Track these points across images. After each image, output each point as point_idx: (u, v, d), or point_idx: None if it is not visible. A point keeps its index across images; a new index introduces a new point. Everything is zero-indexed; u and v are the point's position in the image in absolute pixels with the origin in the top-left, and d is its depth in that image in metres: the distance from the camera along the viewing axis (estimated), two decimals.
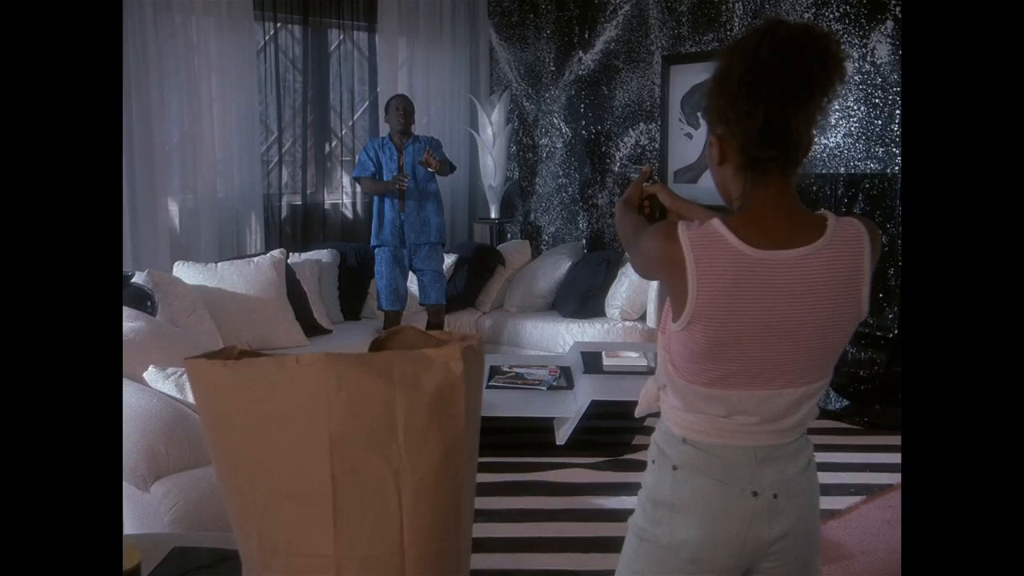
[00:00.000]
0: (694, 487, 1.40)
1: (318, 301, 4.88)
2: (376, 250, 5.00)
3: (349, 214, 6.25)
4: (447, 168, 5.02)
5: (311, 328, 4.64)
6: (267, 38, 5.70)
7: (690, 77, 5.66)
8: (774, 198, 1.33)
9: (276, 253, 4.57)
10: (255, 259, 4.47)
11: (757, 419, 1.38)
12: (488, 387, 3.98)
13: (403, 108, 5.03)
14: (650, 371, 4.02)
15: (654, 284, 5.05)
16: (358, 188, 6.27)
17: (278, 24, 5.75)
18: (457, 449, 1.12)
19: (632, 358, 4.10)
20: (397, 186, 4.84)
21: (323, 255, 5.26)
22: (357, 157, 5.25)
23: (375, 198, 5.07)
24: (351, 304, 5.25)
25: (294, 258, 5.07)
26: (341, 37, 6.14)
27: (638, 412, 1.59)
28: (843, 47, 1.33)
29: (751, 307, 1.31)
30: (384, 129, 6.15)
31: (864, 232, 1.35)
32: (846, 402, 4.60)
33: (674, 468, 1.42)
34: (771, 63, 1.25)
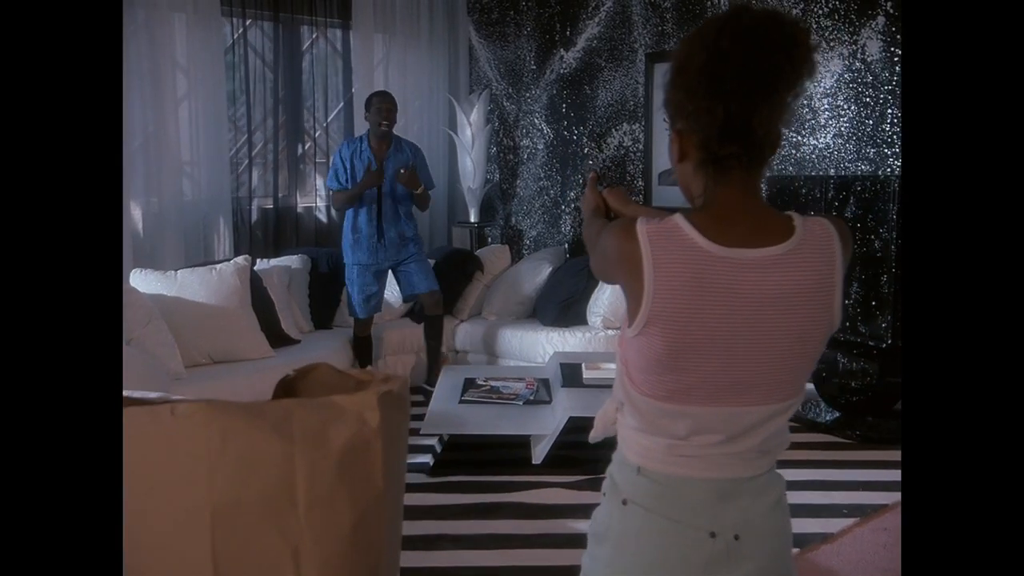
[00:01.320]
0: (643, 525, 1.26)
1: (286, 309, 4.67)
2: (346, 260, 4.75)
3: (323, 218, 6.03)
4: (426, 199, 4.69)
5: (278, 338, 4.43)
6: (236, 35, 5.48)
7: None
8: (737, 196, 1.23)
9: (240, 260, 4.35)
10: (217, 266, 4.25)
11: (720, 439, 1.24)
12: (461, 402, 3.78)
13: (385, 107, 4.67)
14: None
15: None
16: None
17: (247, 21, 5.52)
18: (373, 517, 0.92)
19: (612, 371, 3.89)
20: (368, 183, 4.49)
21: (293, 261, 5.04)
22: (331, 161, 4.96)
23: (348, 215, 4.72)
24: (322, 312, 5.04)
25: (262, 265, 4.85)
26: (314, 35, 5.93)
27: (592, 437, 1.44)
28: (812, 35, 1.22)
29: (713, 309, 1.19)
30: (363, 127, 5.98)
31: (835, 233, 1.24)
32: (837, 414, 4.42)
33: (623, 502, 1.28)
34: (733, 53, 1.15)
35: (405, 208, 4.73)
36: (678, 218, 1.21)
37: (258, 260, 4.91)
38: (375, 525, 0.91)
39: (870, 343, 4.18)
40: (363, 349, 4.80)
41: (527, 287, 5.27)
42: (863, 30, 4.66)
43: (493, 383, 4.00)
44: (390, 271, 4.79)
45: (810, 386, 4.75)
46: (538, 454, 3.57)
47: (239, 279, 4.22)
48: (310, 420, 0.87)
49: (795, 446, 4.25)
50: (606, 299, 4.89)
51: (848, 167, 4.77)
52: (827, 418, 4.41)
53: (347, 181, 4.66)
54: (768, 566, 1.27)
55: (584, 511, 3.39)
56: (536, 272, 5.34)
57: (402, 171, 4.50)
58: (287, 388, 1.05)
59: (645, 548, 1.25)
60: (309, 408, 0.89)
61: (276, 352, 4.30)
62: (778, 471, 1.33)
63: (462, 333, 5.16)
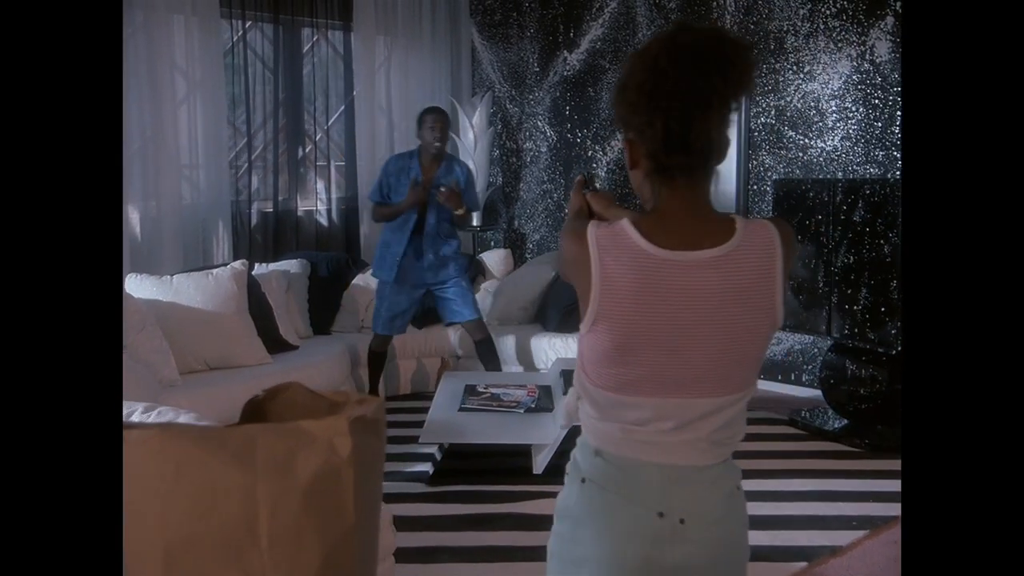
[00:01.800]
0: (599, 502, 1.34)
1: (284, 315, 4.60)
2: (376, 275, 4.58)
3: (324, 221, 5.96)
4: (465, 219, 4.41)
5: (276, 344, 4.36)
6: (236, 37, 5.42)
7: None
8: (682, 202, 1.30)
9: (237, 265, 4.29)
10: (214, 271, 4.18)
11: (670, 427, 1.31)
12: (461, 409, 3.70)
13: (438, 125, 4.41)
14: None
15: None
16: (333, 194, 6.00)
17: (247, 23, 5.46)
18: (344, 553, 0.84)
19: None
20: (414, 198, 4.24)
21: (292, 266, 4.97)
22: (379, 176, 4.61)
23: (384, 229, 4.51)
24: (322, 318, 4.97)
25: (260, 269, 4.78)
26: (315, 37, 5.86)
27: (561, 426, 1.69)
28: (751, 53, 1.28)
29: (656, 308, 1.27)
30: (364, 130, 5.91)
31: (776, 234, 1.31)
32: (845, 422, 4.33)
33: (582, 481, 1.36)
34: (669, 72, 1.22)
35: (446, 228, 4.51)
36: (625, 222, 1.29)
37: (256, 265, 4.83)
38: (346, 561, 0.83)
39: (879, 350, 4.09)
40: (376, 363, 4.67)
41: (530, 292, 5.19)
42: (872, 31, 4.57)
43: (494, 390, 3.93)
44: (427, 292, 4.59)
45: (817, 392, 4.66)
46: (539, 464, 3.49)
47: (236, 284, 4.15)
48: (275, 448, 0.79)
49: (802, 455, 4.19)
50: None
51: (856, 170, 4.68)
52: (835, 426, 4.33)
53: (389, 195, 4.47)
54: (711, 552, 1.32)
55: None
56: (539, 277, 5.26)
57: (442, 189, 4.27)
58: (256, 410, 0.97)
59: (599, 523, 1.33)
60: (274, 435, 0.81)
61: (274, 358, 4.23)
62: (734, 462, 1.39)
63: (465, 339, 5.08)
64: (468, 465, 3.75)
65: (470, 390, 3.92)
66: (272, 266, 4.90)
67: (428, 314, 5.18)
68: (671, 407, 1.31)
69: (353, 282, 5.19)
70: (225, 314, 4.05)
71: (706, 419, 1.31)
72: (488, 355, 4.66)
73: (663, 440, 1.32)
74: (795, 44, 4.87)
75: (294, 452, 0.81)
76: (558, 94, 6.01)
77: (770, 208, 5.01)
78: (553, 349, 4.78)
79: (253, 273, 4.61)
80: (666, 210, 1.31)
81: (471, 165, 5.91)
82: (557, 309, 5.02)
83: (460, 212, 4.36)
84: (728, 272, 1.27)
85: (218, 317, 4.02)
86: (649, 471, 1.32)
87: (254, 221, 5.59)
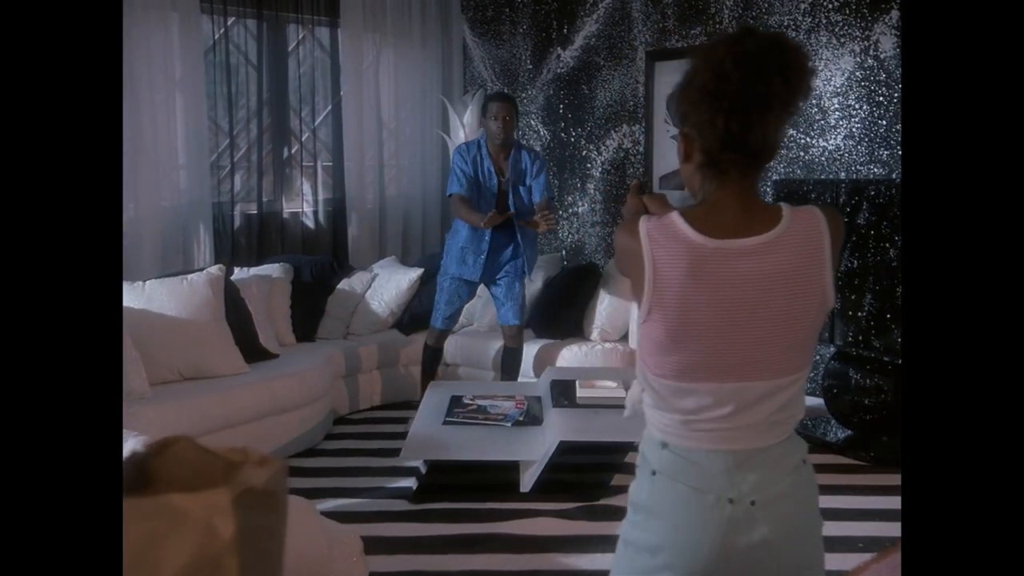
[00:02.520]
0: (670, 493, 1.38)
1: (265, 322, 4.41)
2: (444, 266, 4.37)
3: (311, 224, 5.78)
4: (555, 219, 4.12)
5: (255, 353, 4.17)
6: (219, 34, 5.24)
7: (676, 75, 5.17)
8: (732, 194, 1.35)
9: (214, 270, 4.10)
10: (189, 276, 4.00)
11: (728, 412, 1.35)
12: (445, 423, 3.51)
13: (504, 115, 4.17)
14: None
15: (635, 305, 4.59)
16: (320, 195, 5.82)
17: (230, 18, 5.28)
18: None
19: (609, 389, 3.63)
20: (484, 225, 4.05)
21: (274, 270, 4.79)
22: (452, 168, 4.35)
23: (458, 222, 4.31)
24: (305, 324, 4.78)
25: (240, 274, 4.59)
26: (301, 34, 5.68)
27: (627, 413, 1.60)
28: (808, 60, 1.33)
29: (707, 295, 1.32)
30: (353, 129, 5.74)
31: (823, 218, 1.35)
32: (849, 433, 4.15)
33: (652, 473, 1.41)
34: (734, 75, 1.27)
35: (522, 228, 4.26)
36: (675, 215, 1.34)
37: (236, 269, 4.65)
38: None
39: (885, 358, 3.91)
40: (432, 360, 4.48)
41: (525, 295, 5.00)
42: (876, 25, 4.39)
43: (480, 402, 3.74)
44: (483, 284, 4.43)
45: (819, 401, 4.48)
46: (526, 482, 3.30)
47: (212, 290, 3.97)
48: (135, 532, 0.61)
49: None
50: (604, 310, 4.63)
51: (860, 170, 4.50)
52: (838, 437, 4.14)
53: (469, 186, 4.22)
54: (785, 528, 1.36)
55: (577, 544, 3.16)
56: (530, 281, 5.07)
57: (491, 214, 4.03)
58: (140, 469, 0.78)
59: (672, 513, 1.37)
60: (134, 513, 0.63)
61: (252, 368, 4.05)
62: (797, 436, 1.42)
63: (452, 346, 4.90)
64: (454, 480, 3.56)
65: (456, 401, 3.73)
66: (253, 270, 4.71)
67: (415, 320, 5.00)
68: (728, 392, 1.34)
69: (339, 287, 5.00)
70: (200, 322, 3.87)
71: (763, 402, 1.35)
72: (510, 365, 4.47)
73: (724, 427, 1.36)
74: (796, 39, 4.68)
75: (159, 537, 0.62)
76: (551, 92, 5.83)
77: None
78: (545, 357, 4.60)
79: (232, 278, 4.43)
80: (715, 202, 1.36)
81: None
82: (548, 315, 4.84)
83: (550, 226, 4.05)
84: (775, 257, 1.32)
85: (192, 325, 3.84)
86: (714, 459, 1.35)
87: (237, 223, 5.41)
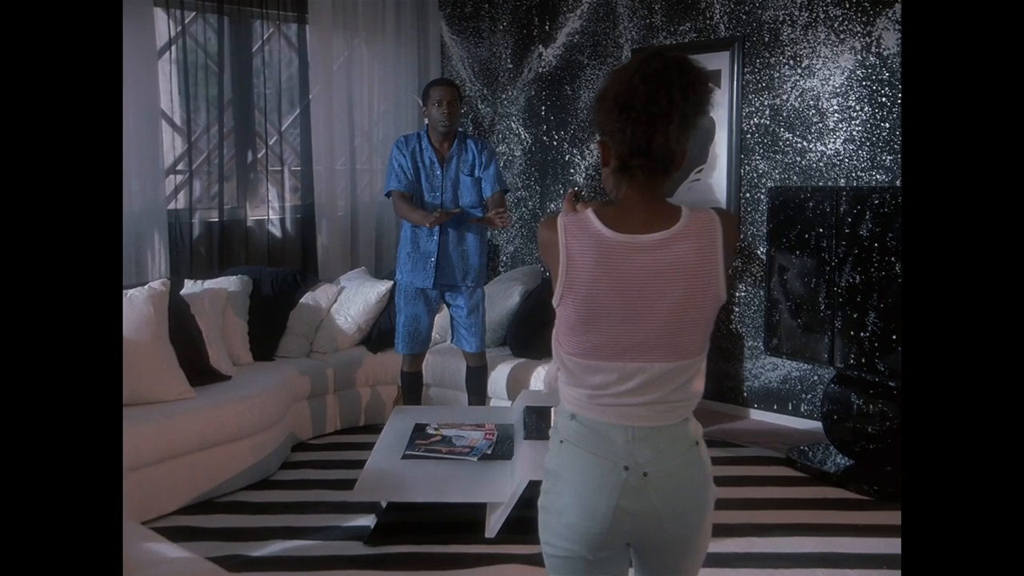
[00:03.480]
0: (574, 459, 1.53)
1: (217, 341, 4.07)
2: (397, 281, 4.06)
3: (277, 232, 5.44)
4: (501, 219, 3.75)
5: (203, 375, 3.83)
6: (176, 30, 4.90)
7: None
8: (639, 195, 1.53)
9: (157, 284, 3.75)
10: (128, 292, 3.65)
11: (630, 389, 1.52)
12: (405, 456, 3.17)
13: (447, 100, 3.82)
14: None
15: None
16: (287, 202, 5.48)
17: (185, 13, 4.94)
18: None
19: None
20: (430, 224, 3.71)
21: (230, 283, 4.44)
22: (388, 164, 4.01)
23: (404, 226, 4.00)
24: (264, 342, 4.43)
25: (192, 288, 4.25)
26: (268, 30, 5.34)
27: (546, 390, 1.75)
28: (708, 80, 1.51)
29: (612, 284, 1.50)
30: (322, 133, 5.40)
31: (717, 219, 1.53)
32: (850, 462, 3.81)
33: (561, 442, 1.57)
34: (640, 90, 1.46)
35: (473, 227, 3.94)
36: (589, 212, 1.53)
37: (187, 283, 4.30)
38: None
39: (889, 382, 3.58)
40: (411, 385, 4.12)
41: (497, 311, 4.66)
42: (878, 20, 4.07)
43: (446, 431, 3.39)
44: (443, 299, 4.07)
45: (817, 425, 4.16)
46: (492, 526, 2.96)
47: (153, 306, 3.62)
48: None
49: (801, 504, 3.66)
50: None
51: (862, 176, 4.18)
52: (839, 464, 3.81)
53: (409, 183, 3.88)
54: (672, 499, 1.52)
55: None
56: (506, 294, 4.74)
57: (436, 213, 3.70)
58: None
59: (575, 477, 1.53)
60: None
61: (199, 391, 3.70)
62: (694, 420, 1.60)
63: (430, 365, 4.55)
64: (415, 518, 3.22)
65: (419, 431, 3.39)
66: (207, 283, 4.36)
67: (384, 336, 4.66)
68: (630, 370, 1.51)
69: (302, 301, 4.66)
70: (139, 342, 3.52)
71: (662, 382, 1.52)
72: (475, 386, 4.14)
73: (626, 403, 1.52)
74: (792, 36, 4.36)
75: None
76: (533, 92, 5.49)
77: (765, 219, 4.50)
78: (522, 377, 4.26)
79: (182, 293, 4.09)
80: (625, 201, 1.54)
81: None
82: (525, 331, 4.50)
83: (506, 223, 3.75)
84: (672, 251, 1.49)
85: (130, 345, 3.49)
86: (616, 431, 1.52)
87: (196, 232, 5.06)
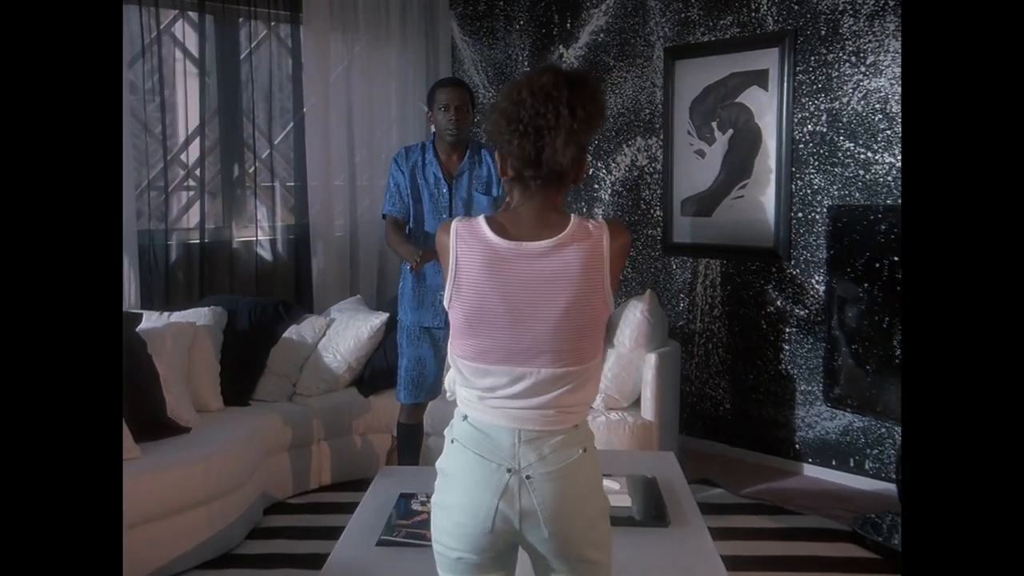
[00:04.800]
0: (462, 459, 1.60)
1: (179, 384, 3.49)
2: (399, 319, 3.43)
3: (267, 255, 4.88)
4: None
5: (156, 427, 3.25)
6: (155, 31, 4.37)
7: (701, 75, 4.24)
8: (532, 205, 1.60)
9: None
10: None
11: (518, 392, 1.57)
12: (380, 542, 2.55)
13: (455, 103, 3.23)
14: (633, 519, 2.60)
15: (650, 360, 3.62)
16: (279, 221, 4.93)
17: (162, 12, 4.41)
18: None
19: (611, 492, 2.65)
20: (413, 266, 3.09)
21: (201, 315, 3.87)
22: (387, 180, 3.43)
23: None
24: (238, 384, 3.85)
25: (153, 322, 3.68)
26: (259, 31, 4.80)
27: (448, 396, 1.91)
28: (601, 96, 1.57)
29: (499, 289, 1.56)
30: (317, 143, 4.85)
31: (604, 227, 1.58)
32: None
33: (452, 441, 1.63)
34: (528, 102, 1.53)
35: None
36: (480, 218, 1.61)
37: (146, 316, 3.73)
38: None
39: None
40: (408, 440, 3.48)
41: None
42: None
43: None
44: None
45: (885, 485, 3.50)
46: None
47: None
48: None
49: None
50: (610, 370, 3.65)
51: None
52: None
53: (408, 206, 3.30)
54: (554, 503, 1.55)
55: None
56: None
57: (419, 253, 3.07)
58: None
59: (463, 476, 1.59)
60: None
61: (147, 449, 3.11)
62: (586, 426, 1.65)
63: (432, 411, 3.92)
64: None
65: (403, 505, 2.77)
66: (174, 316, 3.79)
67: (378, 377, 4.06)
68: (518, 375, 1.57)
69: (284, 336, 4.07)
70: None
71: (550, 387, 1.57)
72: None
73: (514, 406, 1.57)
74: (855, 27, 3.72)
75: None
76: None
77: (822, 243, 3.84)
78: None
79: (140, 328, 3.52)
80: (517, 210, 1.62)
81: None
82: None
83: None
84: (558, 258, 1.55)
85: None
86: (503, 434, 1.57)
87: (173, 256, 4.51)
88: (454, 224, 1.59)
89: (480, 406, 1.59)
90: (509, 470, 1.54)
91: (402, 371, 3.38)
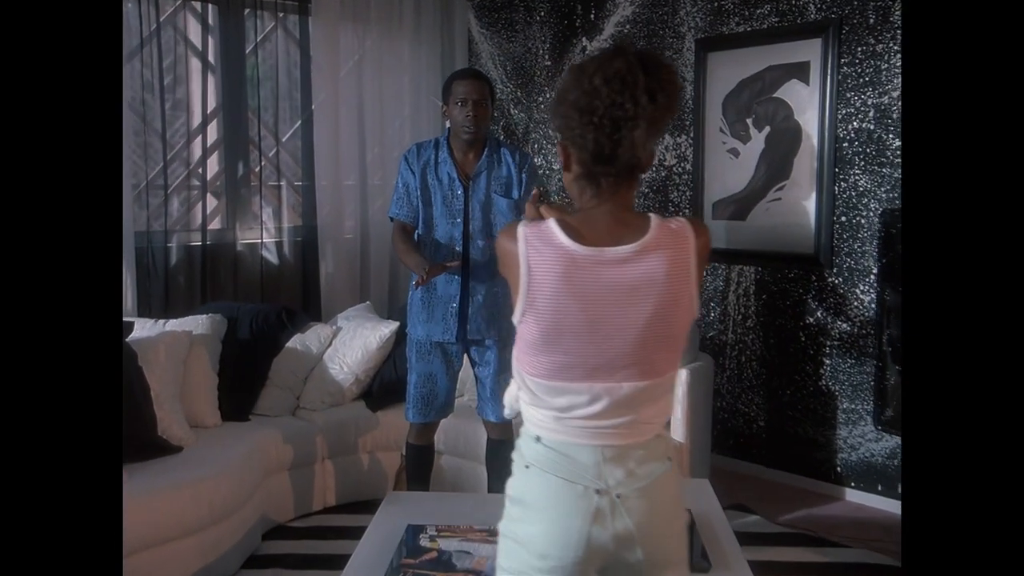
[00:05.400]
0: (541, 484, 1.46)
1: (172, 400, 3.24)
2: (408, 332, 3.13)
3: (273, 258, 4.63)
4: None
5: (143, 448, 3.00)
6: (156, 22, 4.13)
7: (736, 69, 3.95)
8: (606, 204, 1.47)
9: None
10: None
11: (599, 410, 1.44)
12: None
13: (473, 97, 2.92)
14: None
15: (681, 376, 3.34)
16: (285, 223, 4.68)
17: (171, 3, 4.18)
18: None
19: None
20: (417, 282, 2.89)
21: (199, 324, 3.62)
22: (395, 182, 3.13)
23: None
24: (238, 397, 3.60)
25: (146, 331, 3.43)
26: (265, 23, 4.56)
27: (507, 413, 1.66)
28: (677, 77, 1.42)
29: (577, 300, 1.41)
30: (326, 141, 4.60)
31: (689, 229, 1.45)
32: None
33: (526, 467, 1.48)
34: (603, 91, 1.37)
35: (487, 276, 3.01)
36: (551, 222, 1.45)
37: (139, 324, 3.49)
38: None
39: None
40: (417, 462, 3.20)
41: None
42: None
43: (445, 543, 2.49)
44: (467, 355, 3.13)
45: None
46: None
47: None
48: None
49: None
50: None
51: None
52: None
53: (417, 209, 3.02)
54: (647, 520, 1.45)
55: None
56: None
57: (426, 268, 2.80)
58: None
59: (544, 503, 1.46)
60: None
61: (132, 472, 2.85)
62: (665, 435, 1.53)
63: (447, 428, 3.65)
64: None
65: (411, 538, 2.50)
66: (169, 325, 3.54)
67: (387, 391, 3.80)
68: (599, 391, 1.44)
69: (288, 345, 3.82)
70: None
71: (633, 401, 1.45)
72: (498, 464, 3.18)
73: (595, 424, 1.44)
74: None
75: None
76: None
77: (870, 250, 3.55)
78: None
79: (131, 339, 3.27)
80: (590, 211, 1.47)
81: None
82: None
83: None
84: (642, 265, 1.41)
85: None
86: (585, 452, 1.44)
87: (174, 260, 4.27)
88: (521, 230, 1.44)
89: (556, 426, 1.46)
90: (598, 491, 1.43)
91: (411, 388, 3.11)
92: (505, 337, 3.03)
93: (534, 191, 1.73)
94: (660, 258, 1.41)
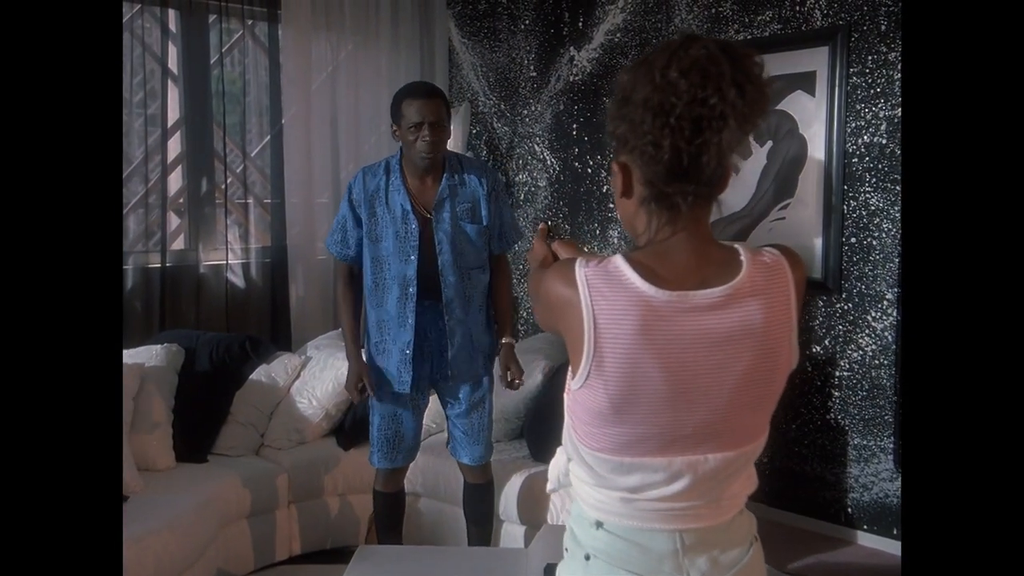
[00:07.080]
0: None
1: (122, 440, 2.91)
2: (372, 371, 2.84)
3: (239, 281, 4.32)
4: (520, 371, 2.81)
5: None
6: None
7: None
8: (684, 234, 1.17)
9: None
10: None
11: (680, 490, 1.18)
12: None
13: (429, 120, 2.59)
14: None
15: None
16: (252, 243, 4.37)
17: (129, 7, 3.89)
18: None
19: None
20: (355, 399, 2.81)
21: (152, 355, 3.30)
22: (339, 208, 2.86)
23: (368, 287, 2.77)
24: (196, 435, 3.28)
25: None
26: (233, 30, 4.28)
27: (549, 488, 1.47)
28: (764, 67, 1.13)
29: (658, 358, 1.13)
30: (296, 155, 4.31)
31: (786, 264, 1.19)
32: None
33: (587, 558, 1.23)
34: (681, 85, 1.09)
35: (472, 289, 2.75)
36: (619, 259, 1.16)
37: None
38: None
39: None
40: (387, 512, 2.92)
41: (511, 394, 3.44)
42: None
43: None
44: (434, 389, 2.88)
45: None
46: None
47: None
48: None
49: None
50: None
51: None
52: None
53: (355, 249, 2.75)
54: None
55: None
56: (527, 369, 3.52)
57: (359, 388, 2.74)
58: None
59: None
60: None
61: None
62: (747, 511, 1.28)
63: (426, 469, 3.34)
64: None
65: None
66: (127, 355, 3.22)
67: (359, 427, 3.49)
68: (680, 466, 1.18)
69: (252, 378, 3.50)
70: None
71: (718, 476, 1.19)
72: (478, 511, 2.91)
73: (673, 505, 1.20)
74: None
75: None
76: (562, 107, 4.34)
77: (885, 275, 3.29)
78: (542, 495, 3.05)
79: None
80: (664, 244, 1.17)
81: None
82: (550, 425, 3.29)
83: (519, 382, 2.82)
84: (736, 312, 1.14)
85: None
86: (661, 540, 1.20)
87: (129, 283, 3.95)
88: (580, 270, 1.14)
89: (624, 509, 1.20)
90: None
91: (374, 430, 2.81)
92: (478, 370, 2.77)
93: (541, 226, 1.48)
94: (757, 302, 1.14)
